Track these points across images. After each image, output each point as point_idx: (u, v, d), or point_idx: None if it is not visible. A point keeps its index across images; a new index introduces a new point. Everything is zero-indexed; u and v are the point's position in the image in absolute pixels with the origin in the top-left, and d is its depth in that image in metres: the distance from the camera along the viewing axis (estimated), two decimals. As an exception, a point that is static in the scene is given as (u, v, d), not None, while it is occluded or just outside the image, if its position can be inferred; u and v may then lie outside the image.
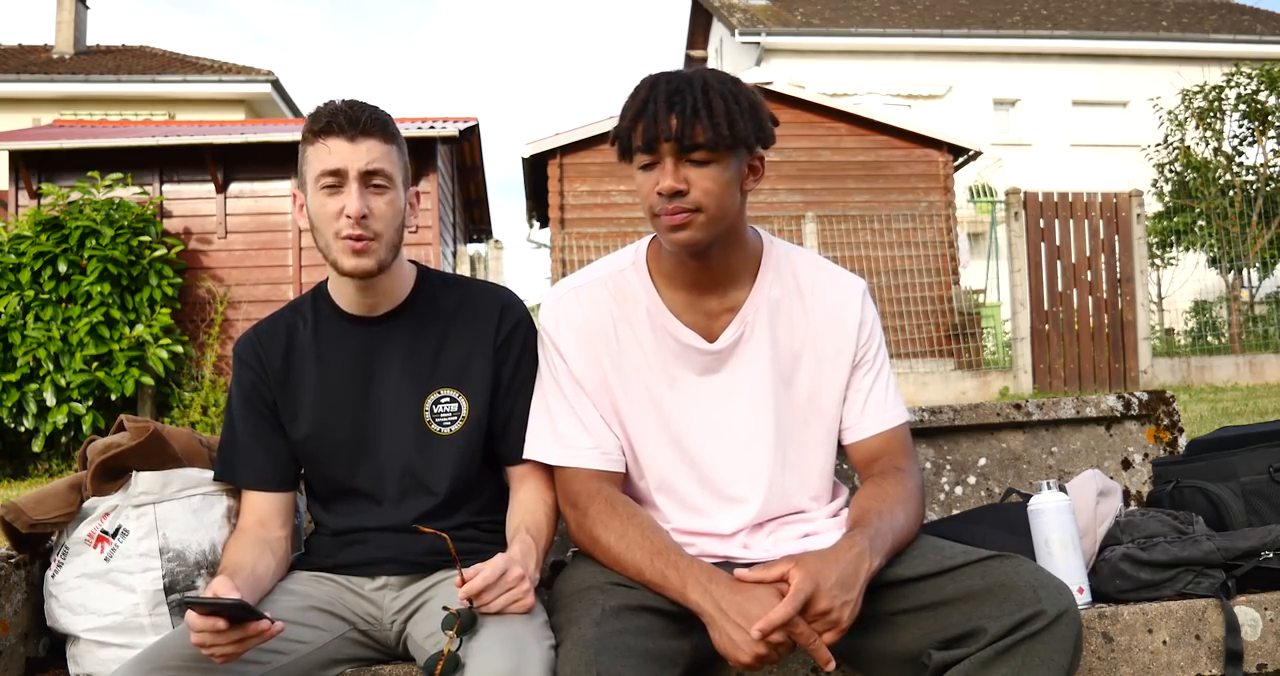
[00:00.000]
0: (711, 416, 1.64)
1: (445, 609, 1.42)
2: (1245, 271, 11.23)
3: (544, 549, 1.62)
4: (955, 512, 2.18)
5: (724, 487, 1.64)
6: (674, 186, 1.49)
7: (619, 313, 1.65)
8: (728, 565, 1.56)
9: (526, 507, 1.66)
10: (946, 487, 2.26)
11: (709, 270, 1.62)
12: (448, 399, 1.70)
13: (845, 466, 2.19)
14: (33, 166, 9.24)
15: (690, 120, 1.47)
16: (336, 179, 1.60)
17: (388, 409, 1.70)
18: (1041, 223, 9.07)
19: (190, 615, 1.33)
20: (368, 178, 1.61)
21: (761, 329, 1.64)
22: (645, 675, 1.33)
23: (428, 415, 1.69)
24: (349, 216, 1.59)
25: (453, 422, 1.69)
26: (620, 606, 1.43)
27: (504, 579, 1.42)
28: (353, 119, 1.60)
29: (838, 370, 1.67)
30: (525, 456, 1.68)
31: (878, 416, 1.68)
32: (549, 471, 1.68)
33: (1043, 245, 9.07)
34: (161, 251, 8.36)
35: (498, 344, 1.73)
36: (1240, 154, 11.79)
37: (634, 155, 1.53)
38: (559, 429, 1.64)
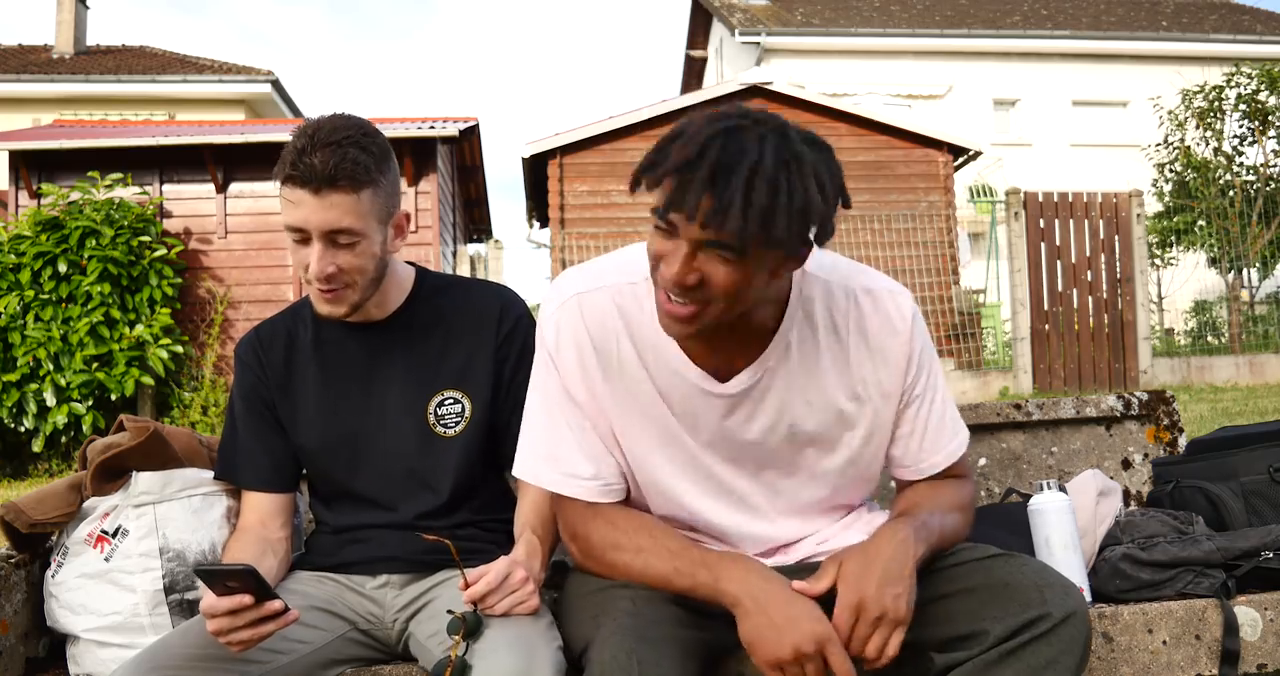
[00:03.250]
0: (716, 469, 1.52)
1: (450, 612, 1.42)
2: (1245, 271, 11.22)
3: (550, 547, 1.61)
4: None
5: (737, 538, 1.56)
6: (684, 281, 1.27)
7: (624, 331, 1.47)
8: None
9: (535, 506, 1.65)
10: (946, 487, 2.26)
11: (720, 330, 1.39)
12: (451, 400, 1.69)
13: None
14: (33, 166, 9.24)
15: (721, 212, 1.21)
16: (301, 235, 1.56)
17: (391, 412, 1.69)
18: (1041, 223, 9.07)
19: (208, 599, 1.33)
20: (333, 235, 1.54)
21: (785, 370, 1.46)
22: (678, 665, 1.31)
23: (432, 417, 1.69)
24: (313, 274, 1.56)
25: (456, 423, 1.69)
26: (652, 596, 1.42)
27: (508, 581, 1.42)
28: (317, 171, 1.49)
29: (878, 415, 1.50)
30: (515, 475, 1.56)
31: (934, 454, 1.54)
32: None
33: (1043, 245, 9.07)
34: (161, 251, 8.36)
35: (499, 343, 1.72)
36: (1240, 154, 11.77)
37: (655, 212, 1.29)
38: (554, 452, 1.50)
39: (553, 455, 1.50)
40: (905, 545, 1.36)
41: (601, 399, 1.49)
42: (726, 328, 1.38)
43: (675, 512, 1.56)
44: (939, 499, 1.50)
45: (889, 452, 1.56)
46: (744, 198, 1.20)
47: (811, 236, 1.30)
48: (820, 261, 1.48)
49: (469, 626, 1.39)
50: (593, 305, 1.48)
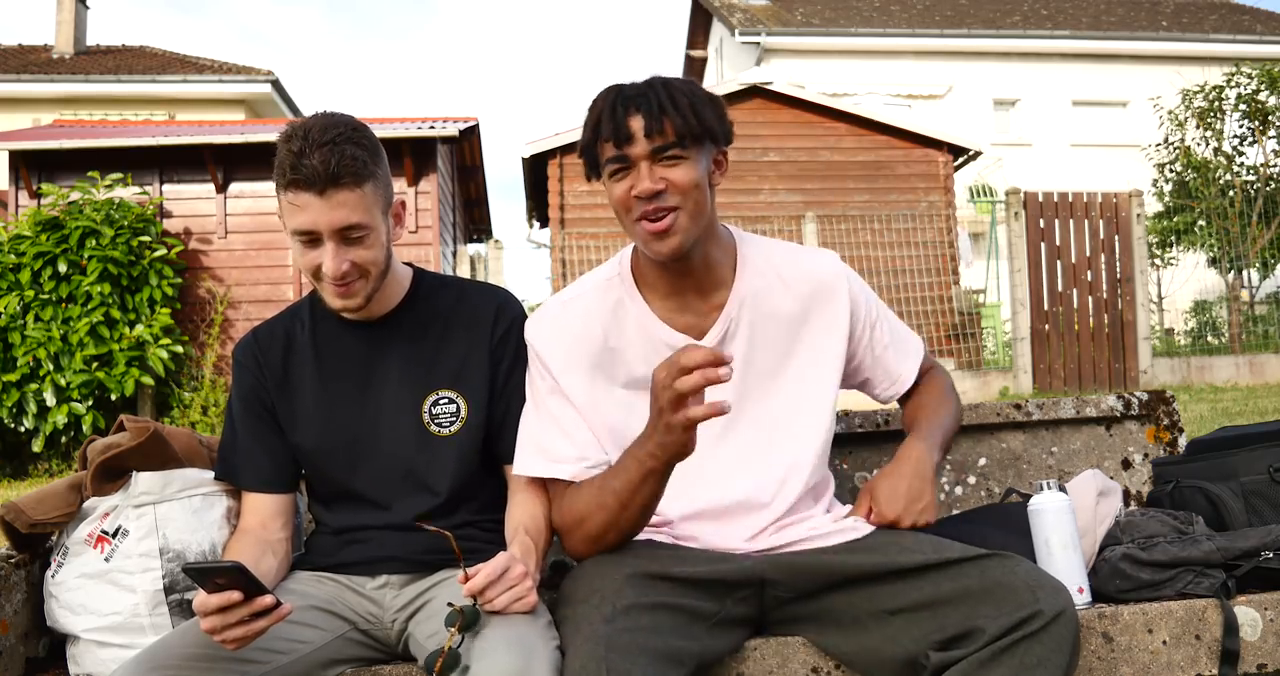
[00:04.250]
0: (709, 421, 1.63)
1: (450, 605, 1.42)
2: (1245, 271, 11.22)
3: (543, 549, 1.61)
4: (955, 512, 2.18)
5: (721, 496, 1.63)
6: (651, 187, 1.50)
7: (611, 323, 1.65)
8: (730, 555, 1.58)
9: (525, 509, 1.66)
10: (946, 487, 2.26)
11: (691, 272, 1.62)
12: (446, 400, 1.70)
13: (845, 467, 2.19)
14: (33, 166, 9.24)
15: (658, 117, 1.50)
16: (311, 237, 1.56)
17: (386, 411, 1.70)
18: (1041, 223, 9.08)
19: (200, 597, 1.33)
20: (344, 233, 1.56)
21: (746, 321, 1.65)
22: (654, 674, 1.33)
23: (426, 416, 1.69)
24: (328, 273, 1.58)
25: (451, 423, 1.69)
26: (631, 605, 1.43)
27: (507, 576, 1.42)
28: (319, 172, 1.51)
29: (832, 350, 1.69)
30: (514, 472, 1.67)
31: (907, 366, 1.79)
32: None
33: (1043, 245, 9.07)
34: (161, 251, 8.36)
35: (494, 344, 1.73)
36: (1240, 154, 11.78)
37: (603, 166, 1.55)
38: (538, 441, 1.64)
39: (540, 447, 1.64)
40: (922, 459, 1.64)
41: (592, 386, 1.63)
42: (689, 270, 1.61)
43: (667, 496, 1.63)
44: (929, 401, 1.78)
45: (870, 378, 1.79)
46: (670, 102, 1.51)
47: (729, 129, 1.57)
48: (756, 239, 1.74)
49: (466, 619, 1.39)
50: (576, 307, 1.67)
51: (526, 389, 1.69)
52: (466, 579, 1.40)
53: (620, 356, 1.64)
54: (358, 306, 1.64)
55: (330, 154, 1.51)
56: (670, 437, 1.40)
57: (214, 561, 1.33)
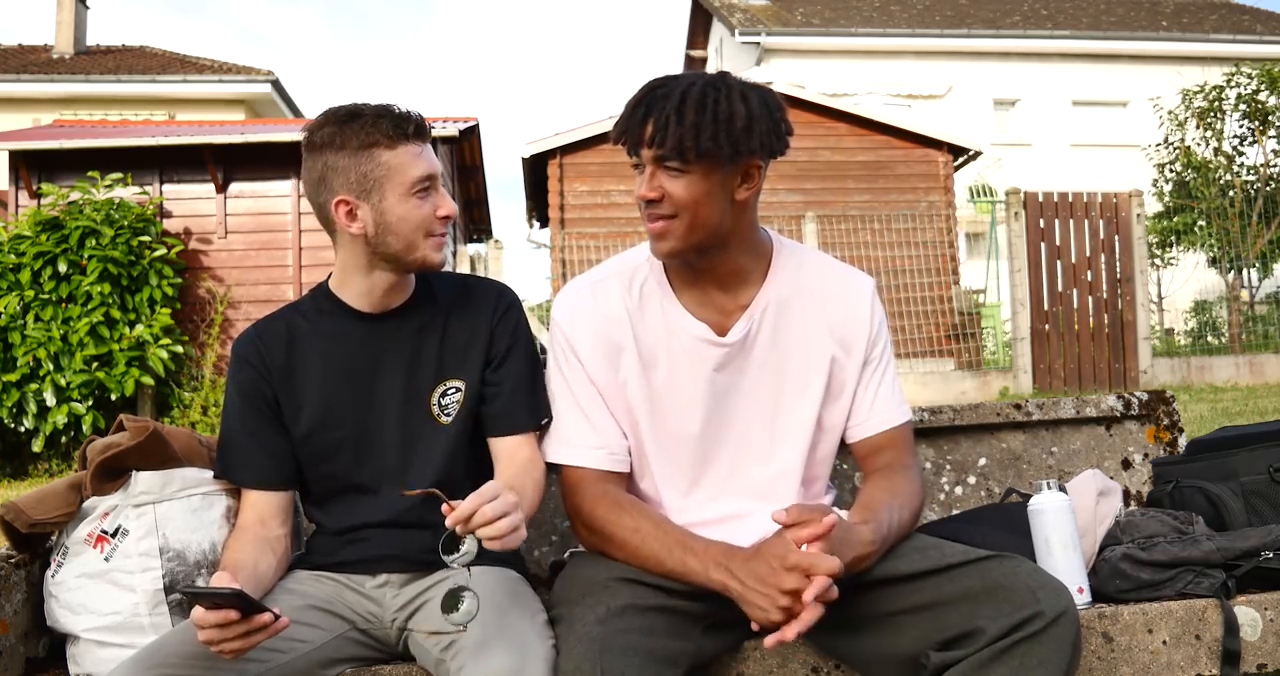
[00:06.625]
0: (719, 414, 1.65)
1: (448, 536, 1.34)
2: (1245, 271, 11.22)
3: (529, 507, 1.56)
4: (955, 512, 2.18)
5: (728, 504, 1.64)
6: (646, 195, 1.53)
7: (635, 307, 1.66)
8: None
9: (517, 470, 1.63)
10: (946, 487, 2.26)
11: (714, 271, 1.62)
12: (454, 389, 1.71)
13: (845, 466, 2.19)
14: (33, 166, 9.24)
15: (660, 131, 1.49)
16: (429, 182, 1.66)
17: (394, 403, 1.70)
18: (1041, 223, 9.07)
19: (197, 611, 1.33)
20: (439, 179, 1.70)
21: (769, 326, 1.65)
22: (648, 674, 1.33)
23: (435, 408, 1.70)
24: (444, 217, 1.66)
25: (457, 410, 1.71)
26: (625, 606, 1.43)
27: (499, 501, 1.32)
28: (420, 127, 1.65)
29: (847, 368, 1.68)
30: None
31: (884, 414, 1.68)
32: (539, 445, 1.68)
33: (1043, 245, 9.07)
34: (161, 251, 8.36)
35: (493, 325, 1.74)
36: (1240, 154, 11.77)
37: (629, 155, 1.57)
38: (563, 428, 1.65)
39: (564, 433, 1.66)
40: (867, 549, 1.46)
41: (615, 369, 1.64)
42: (711, 269, 1.61)
43: (665, 478, 1.66)
44: (898, 494, 1.59)
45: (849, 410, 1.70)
46: (676, 116, 1.47)
47: (751, 148, 1.49)
48: (798, 247, 1.73)
49: (450, 540, 1.31)
50: (604, 290, 1.67)
51: (550, 373, 1.70)
52: (451, 510, 1.31)
53: (643, 342, 1.65)
54: (444, 261, 1.71)
55: (416, 117, 1.65)
56: (745, 604, 1.39)
57: (212, 588, 1.32)
